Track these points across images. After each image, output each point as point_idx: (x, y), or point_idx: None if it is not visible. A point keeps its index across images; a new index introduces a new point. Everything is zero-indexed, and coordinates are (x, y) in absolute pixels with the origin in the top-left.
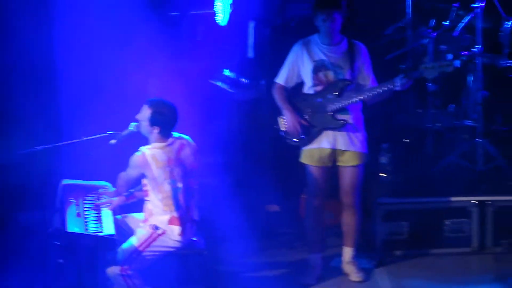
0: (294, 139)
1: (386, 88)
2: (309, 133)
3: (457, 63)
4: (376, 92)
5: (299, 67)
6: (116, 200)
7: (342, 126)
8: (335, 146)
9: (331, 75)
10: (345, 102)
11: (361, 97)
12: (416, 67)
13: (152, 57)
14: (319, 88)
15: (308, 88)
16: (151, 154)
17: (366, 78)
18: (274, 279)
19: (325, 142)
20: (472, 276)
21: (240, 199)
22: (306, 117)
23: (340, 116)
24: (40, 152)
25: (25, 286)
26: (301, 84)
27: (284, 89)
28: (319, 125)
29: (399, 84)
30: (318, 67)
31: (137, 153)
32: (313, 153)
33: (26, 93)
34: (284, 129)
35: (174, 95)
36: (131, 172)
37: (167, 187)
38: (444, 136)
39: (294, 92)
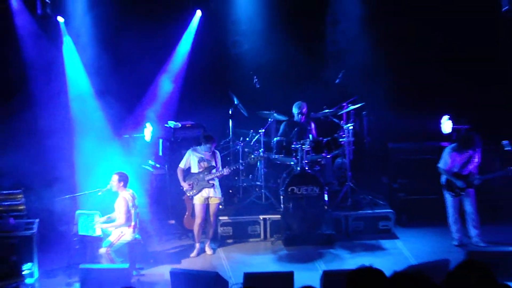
0: (191, 193)
1: (234, 168)
2: (197, 190)
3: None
4: (228, 170)
5: (190, 160)
6: (107, 225)
7: (212, 186)
8: (209, 195)
9: (206, 163)
10: (213, 176)
11: (220, 173)
12: (248, 158)
13: (113, 159)
14: (201, 169)
15: (195, 169)
16: (127, 195)
17: (221, 165)
18: (173, 254)
19: (204, 193)
20: (260, 251)
21: (156, 217)
22: (195, 182)
23: (210, 181)
24: (68, 198)
25: (60, 258)
26: (189, 168)
27: (182, 169)
28: (202, 186)
29: (241, 167)
30: (200, 161)
31: (122, 196)
32: (198, 198)
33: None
34: (185, 189)
35: (126, 173)
36: (125, 206)
37: (132, 212)
38: (248, 189)
39: (189, 173)
